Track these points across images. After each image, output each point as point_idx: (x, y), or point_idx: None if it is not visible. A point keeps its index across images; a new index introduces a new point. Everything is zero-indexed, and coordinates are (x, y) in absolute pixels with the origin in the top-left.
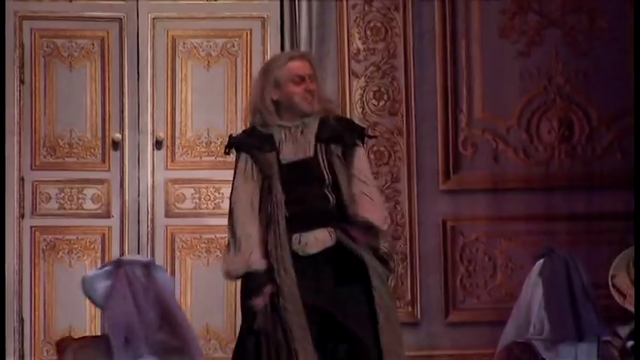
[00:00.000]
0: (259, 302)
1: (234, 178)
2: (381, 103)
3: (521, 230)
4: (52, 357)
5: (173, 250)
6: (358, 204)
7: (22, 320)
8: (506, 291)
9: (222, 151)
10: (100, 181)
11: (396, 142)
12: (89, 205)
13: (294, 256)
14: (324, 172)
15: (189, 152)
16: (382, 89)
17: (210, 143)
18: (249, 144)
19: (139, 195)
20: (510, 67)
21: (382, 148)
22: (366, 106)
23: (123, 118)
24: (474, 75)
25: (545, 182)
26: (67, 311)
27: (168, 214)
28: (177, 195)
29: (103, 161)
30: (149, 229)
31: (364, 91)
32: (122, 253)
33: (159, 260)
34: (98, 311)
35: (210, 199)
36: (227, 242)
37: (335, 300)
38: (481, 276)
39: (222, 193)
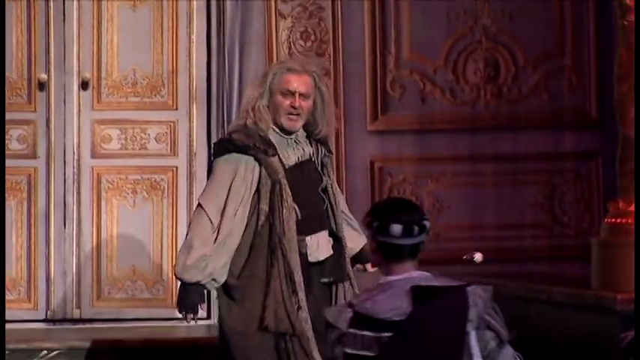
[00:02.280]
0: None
1: (219, 180)
2: (308, 43)
3: (448, 171)
4: None
5: (99, 191)
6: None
7: None
8: (434, 232)
9: (150, 93)
10: (26, 122)
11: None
12: (15, 146)
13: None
14: (320, 171)
15: (115, 93)
16: (309, 29)
17: (137, 84)
18: (255, 147)
19: (64, 136)
20: (437, 7)
21: None
22: (292, 47)
23: (49, 59)
24: (402, 16)
25: (471, 123)
26: None
27: (94, 154)
28: (104, 136)
29: (29, 102)
30: (75, 169)
31: (291, 31)
32: (48, 194)
33: (85, 202)
34: (24, 252)
35: (136, 140)
36: (190, 239)
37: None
38: None
39: (149, 134)
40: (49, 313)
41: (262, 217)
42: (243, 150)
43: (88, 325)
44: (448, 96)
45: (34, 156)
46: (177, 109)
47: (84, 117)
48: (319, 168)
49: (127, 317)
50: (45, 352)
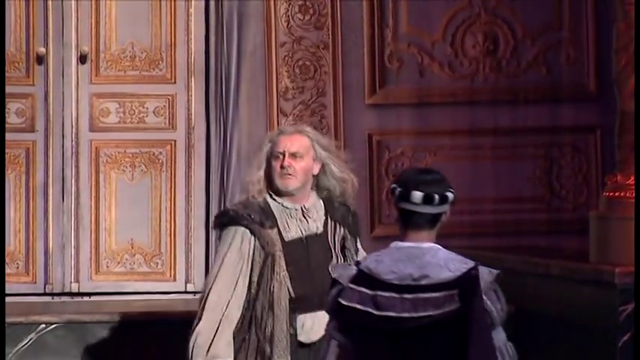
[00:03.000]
0: None
1: (223, 254)
2: (307, 17)
3: (447, 144)
4: None
5: (97, 165)
6: None
7: None
8: None
9: (149, 66)
10: (25, 96)
11: (322, 56)
12: (14, 120)
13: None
14: (333, 249)
15: (114, 66)
16: (307, 3)
17: (135, 57)
18: (250, 219)
19: (63, 109)
20: None
21: (307, 62)
22: (291, 20)
23: (47, 33)
24: None
25: (470, 96)
26: None
27: (92, 128)
28: (102, 109)
29: (27, 75)
30: (73, 143)
31: (289, 4)
32: (46, 168)
33: (83, 175)
34: (23, 226)
35: (134, 114)
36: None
37: None
38: None
39: (147, 108)
40: (47, 286)
41: (252, 291)
42: (236, 221)
43: (86, 299)
44: (447, 70)
45: (32, 129)
46: (175, 82)
47: (82, 90)
48: (334, 247)
49: (125, 291)
50: (43, 325)
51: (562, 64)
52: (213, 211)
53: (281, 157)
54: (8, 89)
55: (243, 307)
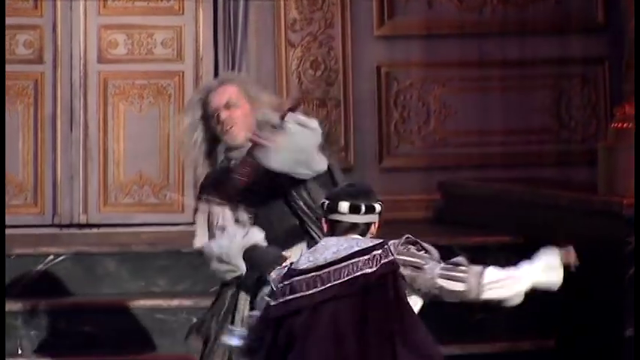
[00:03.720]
0: None
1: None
2: None
3: (455, 76)
4: None
5: (106, 96)
6: None
7: None
8: (440, 137)
9: None
10: (32, 27)
11: None
12: (21, 51)
13: None
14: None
15: None
16: None
17: None
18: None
19: (71, 41)
20: None
21: None
22: None
23: None
24: None
25: (478, 28)
26: None
27: (100, 59)
28: (110, 41)
29: (35, 7)
30: (82, 74)
31: None
32: (55, 99)
33: (92, 107)
34: (31, 157)
35: (142, 45)
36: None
37: None
38: (415, 122)
39: (155, 39)
40: (55, 218)
41: None
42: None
43: (94, 230)
44: (455, 1)
45: (40, 61)
46: (183, 13)
47: (90, 22)
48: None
49: (133, 222)
50: (52, 257)
51: None
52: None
53: (215, 113)
54: (16, 20)
55: None
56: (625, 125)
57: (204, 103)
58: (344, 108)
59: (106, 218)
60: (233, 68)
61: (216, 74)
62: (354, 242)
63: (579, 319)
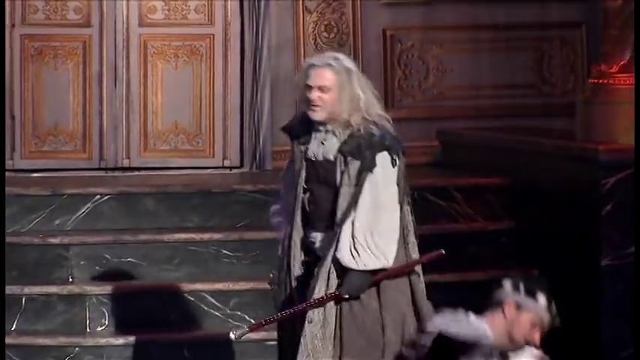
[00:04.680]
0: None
1: None
2: None
3: (450, 38)
4: (39, 149)
5: (146, 56)
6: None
7: (13, 117)
8: (438, 91)
9: None
10: None
11: None
12: (72, 16)
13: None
14: (337, 178)
15: None
16: None
17: None
18: (294, 133)
19: (115, 7)
20: None
21: None
22: None
23: None
24: None
25: None
26: (52, 109)
27: (141, 23)
28: (149, 7)
29: None
30: (124, 37)
31: None
32: (101, 59)
33: (133, 65)
34: (80, 109)
35: (178, 11)
36: None
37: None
38: (416, 78)
39: (189, 5)
40: (102, 162)
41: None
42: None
43: (136, 173)
44: None
45: (88, 25)
46: None
47: None
48: (340, 177)
49: (170, 166)
50: (98, 196)
51: None
52: (247, 96)
53: (309, 90)
54: None
55: None
56: (600, 81)
57: (306, 73)
58: None
59: (145, 162)
60: (257, 32)
61: (242, 37)
62: None
63: (561, 250)
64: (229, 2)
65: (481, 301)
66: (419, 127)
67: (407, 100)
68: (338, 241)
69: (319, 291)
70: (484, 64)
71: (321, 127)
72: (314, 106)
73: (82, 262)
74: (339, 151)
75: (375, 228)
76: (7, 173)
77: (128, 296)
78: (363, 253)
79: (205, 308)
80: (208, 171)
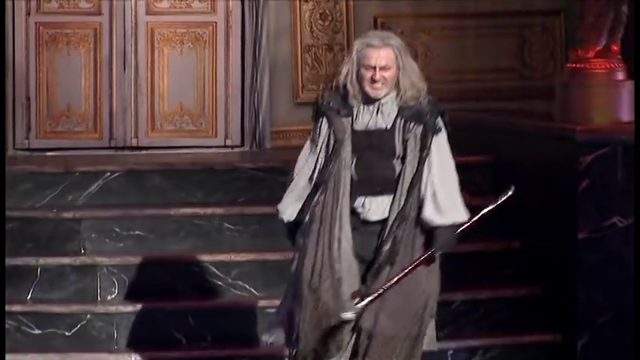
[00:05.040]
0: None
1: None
2: None
3: (437, 26)
4: (53, 129)
5: (153, 42)
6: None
7: (28, 99)
8: (425, 75)
9: None
10: None
11: None
12: (83, 5)
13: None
14: (397, 144)
15: None
16: None
17: None
18: (329, 107)
19: None
20: None
21: None
22: None
23: None
24: None
25: None
26: (65, 92)
27: (148, 12)
28: None
29: None
30: (133, 24)
31: None
32: (111, 45)
33: (141, 50)
34: (91, 92)
35: (183, 0)
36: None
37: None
38: None
39: None
40: (112, 141)
41: (322, 173)
42: (320, 112)
43: (144, 152)
44: None
45: (99, 13)
46: None
47: None
48: (399, 141)
49: (175, 145)
50: (108, 173)
51: None
52: (247, 80)
53: (372, 70)
54: None
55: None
56: (577, 66)
57: (361, 54)
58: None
59: (152, 142)
60: (257, 20)
61: (242, 24)
62: None
63: (541, 224)
64: None
65: (465, 271)
66: None
67: None
68: (422, 203)
69: (406, 256)
70: (469, 50)
71: (372, 100)
72: (376, 83)
73: (93, 235)
74: (402, 118)
75: (451, 185)
76: (22, 152)
77: (136, 267)
78: (449, 209)
79: (209, 278)
80: (211, 150)
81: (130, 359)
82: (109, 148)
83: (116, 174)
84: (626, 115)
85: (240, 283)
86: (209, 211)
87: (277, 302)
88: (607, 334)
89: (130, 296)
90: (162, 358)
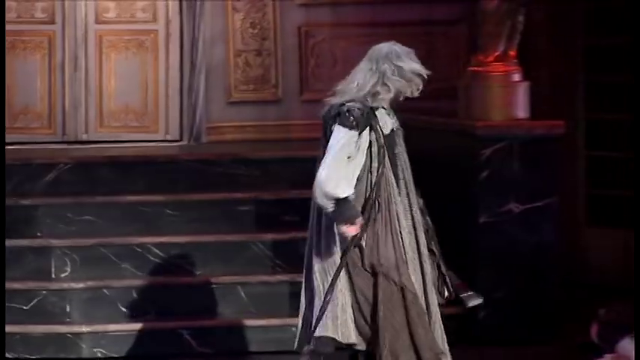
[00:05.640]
0: (353, 231)
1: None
2: None
3: (354, 33)
4: (12, 125)
5: (101, 48)
6: None
7: None
8: (343, 77)
9: None
10: None
11: None
12: (39, 15)
13: None
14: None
15: None
16: None
17: None
18: (369, 122)
19: (75, 8)
20: None
21: None
22: None
23: None
24: None
25: None
26: (23, 93)
27: (97, 21)
28: (104, 7)
29: None
30: (83, 32)
31: None
32: (63, 50)
33: (91, 56)
34: (46, 93)
35: (127, 10)
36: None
37: None
38: (325, 67)
39: (137, 6)
40: (64, 136)
41: (373, 176)
42: (360, 121)
43: (93, 146)
44: None
45: (52, 22)
46: None
47: None
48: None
49: (121, 140)
50: (62, 165)
51: None
52: (185, 81)
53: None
54: None
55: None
56: (478, 69)
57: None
58: (275, 57)
59: (101, 137)
60: (194, 28)
61: (181, 32)
62: None
63: (446, 209)
64: (170, 3)
65: None
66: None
67: (318, 85)
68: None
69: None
70: None
71: (384, 106)
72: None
73: (48, 220)
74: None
75: None
76: None
77: (86, 248)
78: None
79: (151, 258)
80: (153, 144)
81: (81, 330)
82: (62, 142)
83: (68, 165)
84: (522, 112)
85: (178, 262)
86: (151, 198)
87: (213, 279)
88: (501, 306)
89: (81, 274)
90: (110, 329)
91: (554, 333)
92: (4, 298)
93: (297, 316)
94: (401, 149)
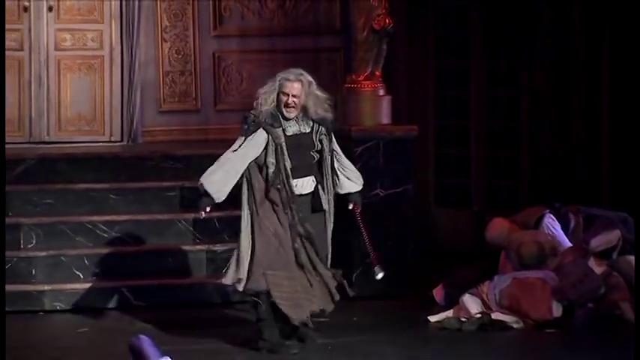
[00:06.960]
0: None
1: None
2: None
3: (257, 58)
4: None
5: (60, 69)
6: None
7: None
8: (247, 93)
9: (88, 13)
10: (17, 30)
11: (188, 6)
12: (11, 44)
13: None
14: (315, 141)
15: (69, 14)
16: None
17: (80, 9)
18: (265, 122)
19: (39, 38)
20: None
21: (177, 11)
22: None
23: None
24: None
25: (269, 31)
26: None
27: (56, 48)
28: (62, 38)
29: (19, 18)
30: (45, 57)
31: None
32: (30, 71)
33: (51, 75)
34: (17, 104)
35: (80, 40)
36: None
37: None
38: (234, 84)
39: (87, 37)
40: (31, 138)
41: (271, 167)
42: (258, 126)
43: (53, 145)
44: (256, 15)
45: (21, 49)
46: (103, 22)
47: (50, 27)
48: (315, 139)
49: (76, 140)
50: (29, 160)
51: (321, 12)
52: (125, 95)
53: (286, 96)
54: (8, 26)
55: (273, 177)
56: (352, 86)
57: (281, 84)
58: (194, 76)
59: (60, 138)
60: (131, 54)
61: (122, 57)
62: None
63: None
64: (113, 35)
65: None
66: (236, 116)
67: (228, 98)
68: (339, 178)
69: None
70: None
71: (290, 116)
72: (289, 107)
73: (17, 203)
74: (317, 124)
75: (349, 163)
76: None
77: (48, 225)
78: (357, 178)
79: (98, 232)
80: (100, 144)
81: (44, 289)
82: (30, 142)
83: (34, 161)
84: (386, 119)
85: (120, 236)
86: (99, 186)
87: (147, 249)
88: (369, 269)
89: (44, 245)
90: (66, 288)
91: (410, 288)
92: (4, 299)
93: (212, 277)
94: (302, 150)
